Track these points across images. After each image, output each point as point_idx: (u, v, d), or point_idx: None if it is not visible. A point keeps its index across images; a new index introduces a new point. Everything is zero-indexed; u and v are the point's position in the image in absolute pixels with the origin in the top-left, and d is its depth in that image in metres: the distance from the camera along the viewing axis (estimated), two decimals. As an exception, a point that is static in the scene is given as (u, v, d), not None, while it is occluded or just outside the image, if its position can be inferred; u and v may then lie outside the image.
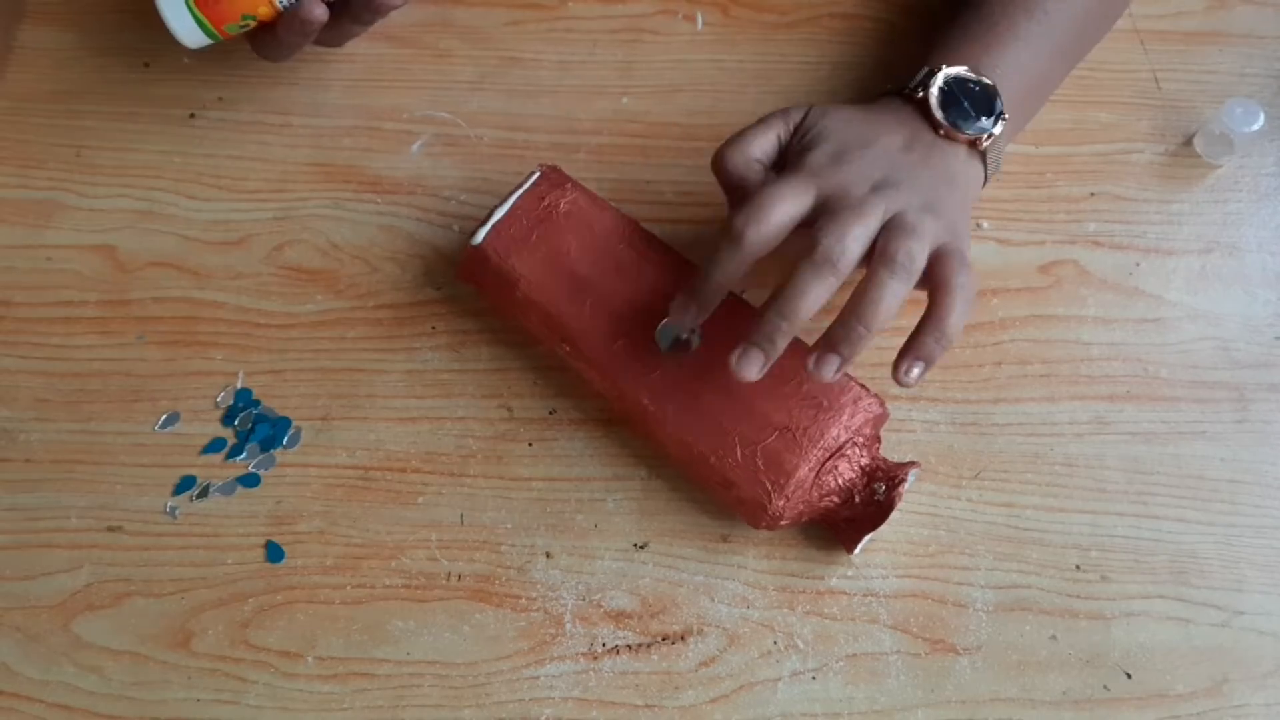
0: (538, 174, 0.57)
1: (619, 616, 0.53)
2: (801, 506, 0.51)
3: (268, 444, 0.56)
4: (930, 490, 0.55)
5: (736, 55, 0.66)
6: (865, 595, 0.53)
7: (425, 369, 0.58)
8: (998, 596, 0.53)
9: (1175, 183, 0.63)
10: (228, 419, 0.56)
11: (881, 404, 0.52)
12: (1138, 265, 0.61)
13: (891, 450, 0.55)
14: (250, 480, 0.55)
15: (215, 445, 0.56)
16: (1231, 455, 0.56)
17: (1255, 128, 0.61)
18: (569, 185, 0.56)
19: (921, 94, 0.54)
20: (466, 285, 0.58)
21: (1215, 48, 0.66)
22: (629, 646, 0.52)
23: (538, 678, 0.52)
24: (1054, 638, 0.52)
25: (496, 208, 0.56)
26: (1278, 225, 0.62)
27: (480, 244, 0.55)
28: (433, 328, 0.59)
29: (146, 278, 0.60)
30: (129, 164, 0.63)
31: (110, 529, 0.54)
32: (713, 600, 0.53)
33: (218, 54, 0.65)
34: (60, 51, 0.66)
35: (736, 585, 0.53)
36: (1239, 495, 0.55)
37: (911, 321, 0.48)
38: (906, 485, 0.51)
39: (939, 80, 0.54)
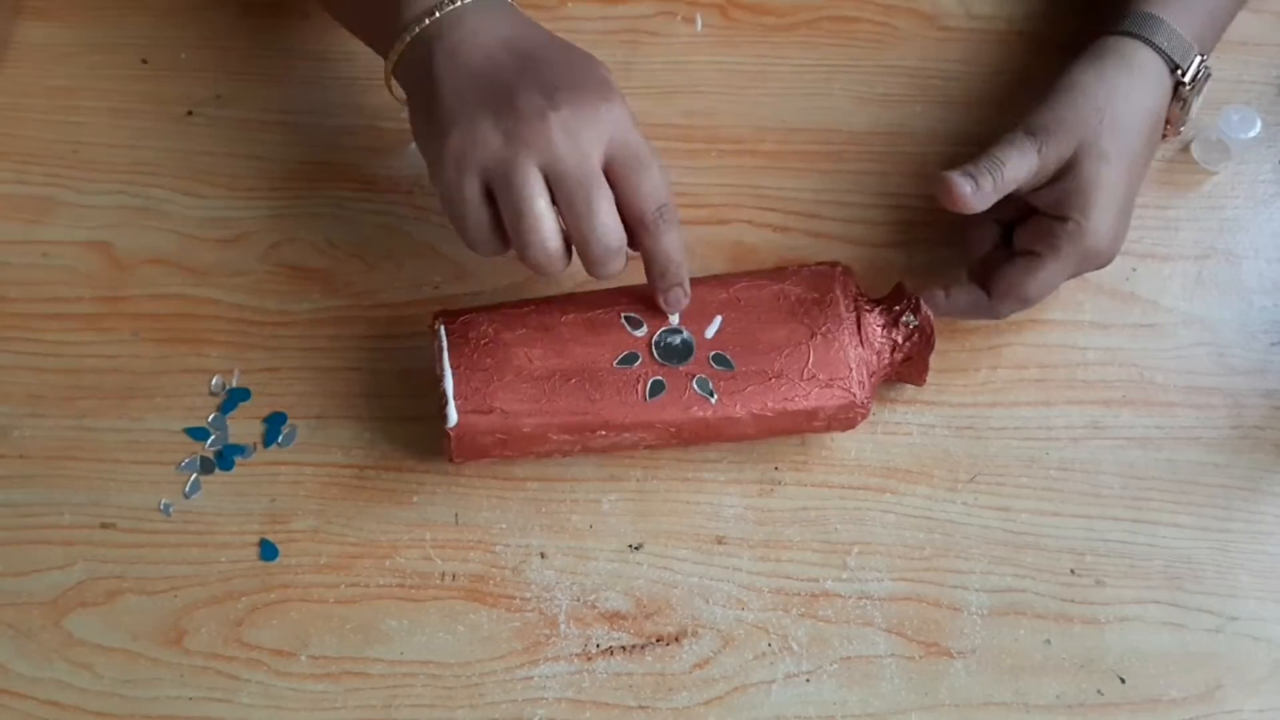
0: (441, 327, 0.53)
1: (613, 617, 0.53)
2: (871, 380, 0.53)
3: (263, 442, 0.56)
4: (926, 494, 0.55)
5: (735, 57, 0.66)
6: (860, 598, 0.53)
7: (421, 368, 0.57)
8: (992, 600, 0.53)
9: (1172, 189, 0.63)
10: (222, 416, 0.56)
11: (840, 264, 0.55)
12: (1134, 271, 0.61)
13: (888, 454, 0.55)
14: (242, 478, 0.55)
15: (210, 442, 0.56)
16: (1226, 461, 0.56)
17: (1252, 134, 0.61)
18: (475, 312, 0.53)
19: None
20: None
21: (1212, 54, 0.66)
22: (623, 648, 0.52)
23: (531, 678, 0.51)
24: (1048, 642, 0.52)
25: (442, 382, 0.52)
26: (1274, 232, 0.62)
27: (458, 422, 0.51)
28: (429, 327, 0.58)
29: (142, 275, 0.60)
30: (126, 161, 0.62)
31: (104, 525, 0.54)
32: (707, 602, 0.53)
33: (215, 52, 0.65)
34: (57, 47, 0.65)
35: (731, 587, 0.53)
36: (1233, 501, 0.55)
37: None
38: (922, 301, 0.54)
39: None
